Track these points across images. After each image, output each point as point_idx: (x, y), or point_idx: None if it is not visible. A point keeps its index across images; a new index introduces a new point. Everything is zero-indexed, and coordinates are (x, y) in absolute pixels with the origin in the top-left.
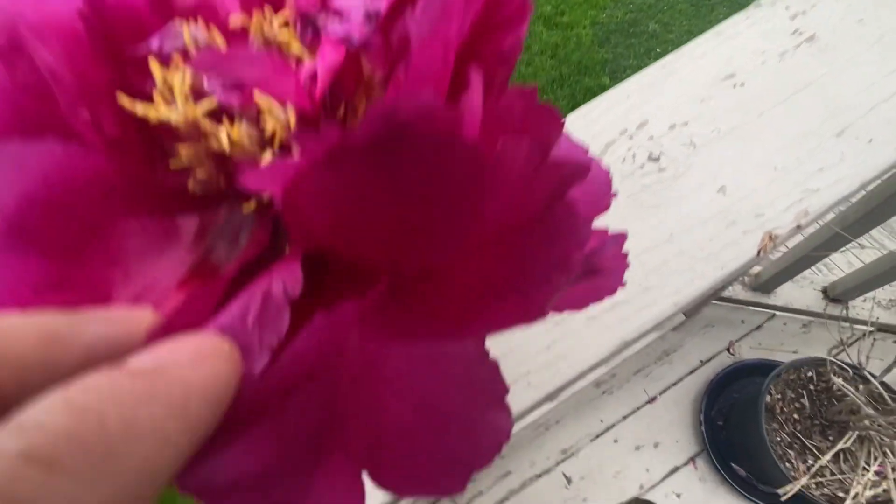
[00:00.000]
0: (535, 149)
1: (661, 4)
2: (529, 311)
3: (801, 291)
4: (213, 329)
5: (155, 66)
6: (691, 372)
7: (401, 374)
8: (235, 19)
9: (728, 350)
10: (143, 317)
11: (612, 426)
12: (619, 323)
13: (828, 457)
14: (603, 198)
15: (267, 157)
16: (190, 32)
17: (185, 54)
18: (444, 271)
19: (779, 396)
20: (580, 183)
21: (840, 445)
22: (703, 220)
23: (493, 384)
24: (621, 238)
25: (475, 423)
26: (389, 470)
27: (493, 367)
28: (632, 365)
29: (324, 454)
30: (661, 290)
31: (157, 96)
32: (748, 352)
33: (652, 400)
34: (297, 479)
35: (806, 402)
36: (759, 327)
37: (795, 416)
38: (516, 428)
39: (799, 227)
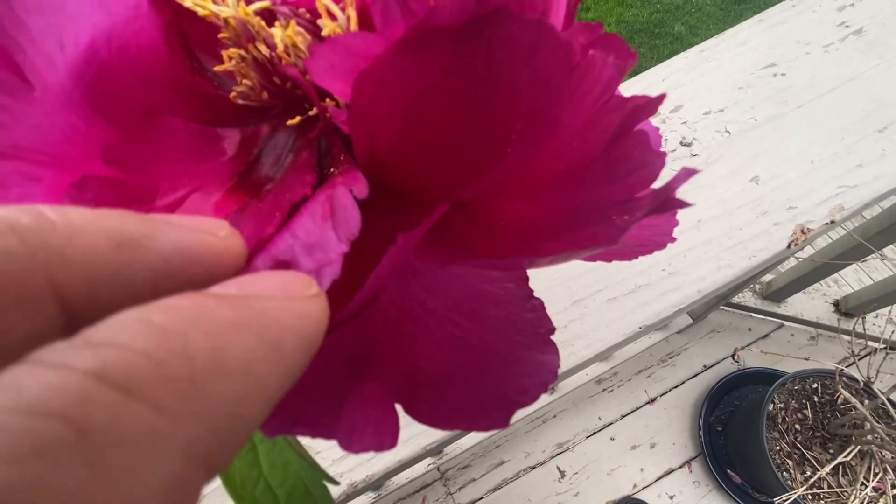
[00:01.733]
0: (617, 70)
1: (688, 6)
2: (586, 246)
3: (812, 303)
4: (286, 234)
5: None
6: (694, 376)
7: (440, 310)
8: None
9: (732, 357)
10: (219, 227)
11: (610, 424)
12: (640, 307)
13: (827, 469)
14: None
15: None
16: None
17: None
18: (500, 199)
19: (782, 406)
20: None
21: (840, 458)
22: (734, 208)
23: (537, 324)
24: (691, 172)
25: (520, 361)
26: (425, 404)
27: (538, 307)
28: (634, 365)
29: (356, 382)
30: (686, 277)
31: None
32: (752, 360)
33: (652, 401)
34: (328, 404)
35: (809, 413)
36: (765, 336)
37: (797, 426)
38: (513, 419)
39: (833, 223)
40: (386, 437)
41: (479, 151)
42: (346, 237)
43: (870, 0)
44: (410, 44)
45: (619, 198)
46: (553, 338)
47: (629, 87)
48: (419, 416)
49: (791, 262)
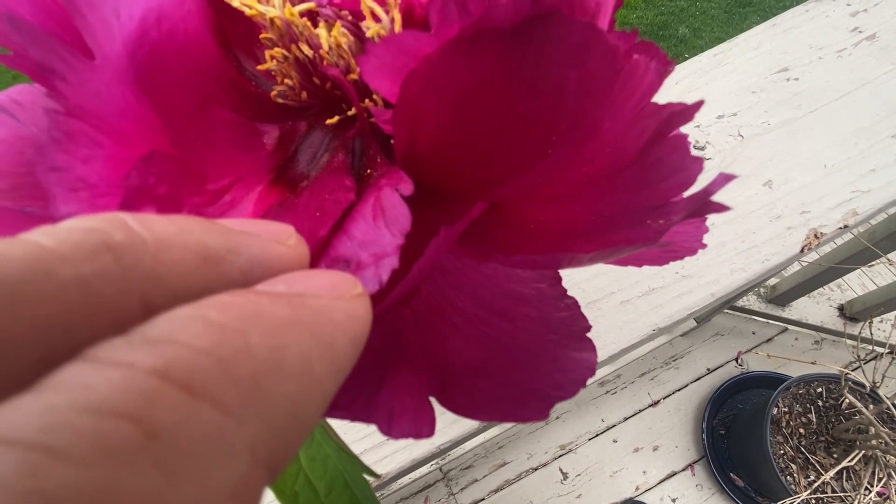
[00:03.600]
0: (658, 75)
1: (692, 9)
2: (621, 247)
3: (817, 307)
4: (343, 236)
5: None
6: (697, 379)
7: (470, 310)
8: None
9: (736, 360)
10: (288, 235)
11: (613, 426)
12: (653, 309)
13: (831, 473)
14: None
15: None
16: None
17: None
18: (536, 200)
19: (786, 409)
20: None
21: (845, 463)
22: (747, 212)
23: (571, 322)
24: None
25: (554, 359)
26: (459, 397)
27: (573, 306)
28: (638, 367)
29: (391, 372)
30: (699, 280)
31: None
32: (756, 363)
33: (655, 404)
34: (366, 391)
35: (813, 417)
36: (769, 340)
37: (801, 430)
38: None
39: (846, 227)
40: (423, 425)
41: (519, 153)
42: (399, 232)
43: (883, 6)
44: (463, 42)
45: (654, 202)
46: None
47: None
48: (454, 408)
49: (795, 266)
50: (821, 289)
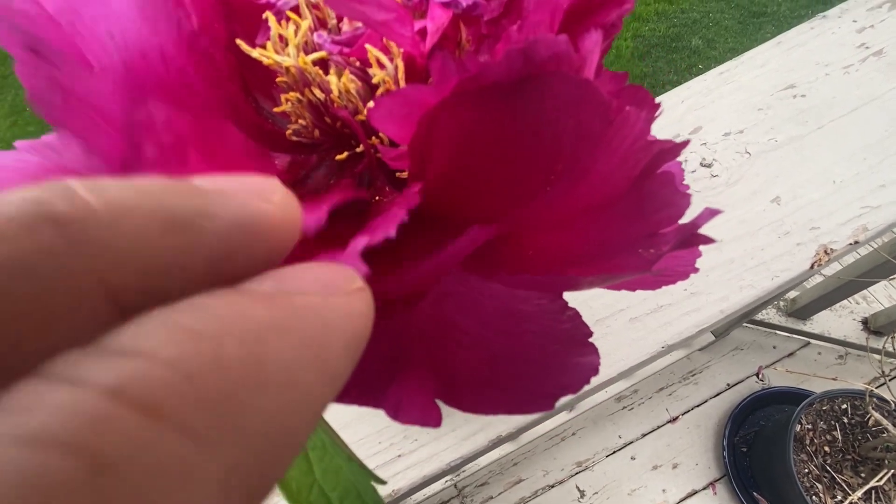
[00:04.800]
0: (647, 123)
1: (706, 20)
2: (615, 274)
3: (840, 321)
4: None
5: (271, 19)
6: (717, 395)
7: (474, 328)
8: None
9: (757, 375)
10: (272, 189)
11: (631, 443)
12: (662, 326)
13: (859, 493)
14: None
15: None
16: None
17: (297, 11)
18: (535, 230)
19: (809, 427)
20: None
21: (873, 483)
22: (755, 229)
23: (574, 332)
24: (714, 212)
25: (560, 366)
26: (466, 399)
27: (574, 317)
28: (655, 382)
29: (399, 374)
30: (708, 297)
31: (269, 45)
32: (778, 379)
33: (674, 420)
34: (374, 387)
35: (838, 434)
36: (791, 354)
37: (826, 448)
38: (531, 436)
39: (856, 243)
40: (431, 418)
41: (519, 188)
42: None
43: (890, 22)
44: (469, 95)
45: (645, 233)
46: None
47: None
48: (460, 407)
49: (816, 279)
50: (843, 301)
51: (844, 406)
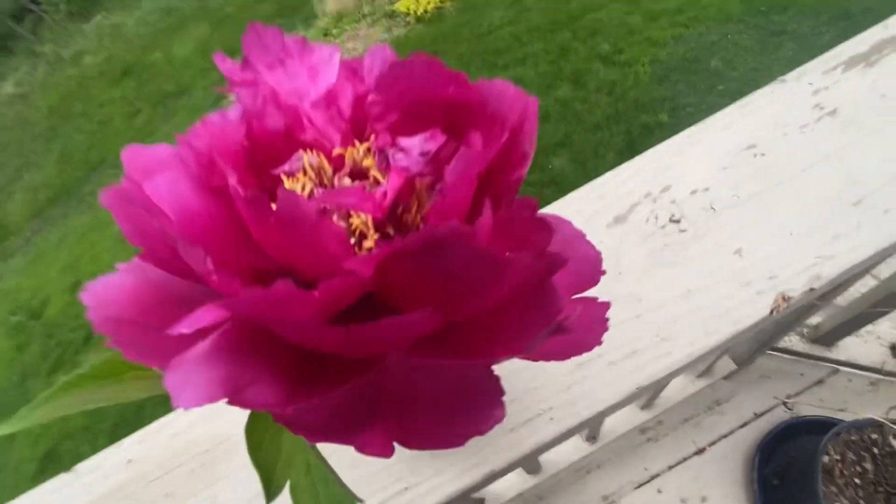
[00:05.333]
0: (534, 257)
1: (724, 42)
2: (516, 352)
3: (867, 346)
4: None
5: (285, 179)
6: (744, 424)
7: (428, 383)
8: (338, 150)
9: (785, 404)
10: None
11: (657, 475)
12: (636, 369)
13: None
14: (593, 275)
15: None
16: (307, 159)
17: (304, 171)
18: (467, 323)
19: (838, 458)
20: (568, 265)
21: None
22: (720, 279)
23: (494, 390)
24: (604, 307)
25: (479, 413)
26: (413, 444)
27: (496, 380)
28: (680, 413)
29: (369, 422)
30: (676, 342)
31: None
32: (808, 408)
33: (700, 451)
34: (349, 431)
35: (869, 465)
36: (819, 382)
37: (857, 480)
38: (555, 468)
39: (812, 290)
40: (387, 452)
41: (442, 303)
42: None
43: (843, 83)
44: (403, 254)
45: (540, 322)
46: (557, 398)
47: (622, 172)
48: (408, 447)
49: (837, 305)
50: (869, 326)
51: (875, 436)
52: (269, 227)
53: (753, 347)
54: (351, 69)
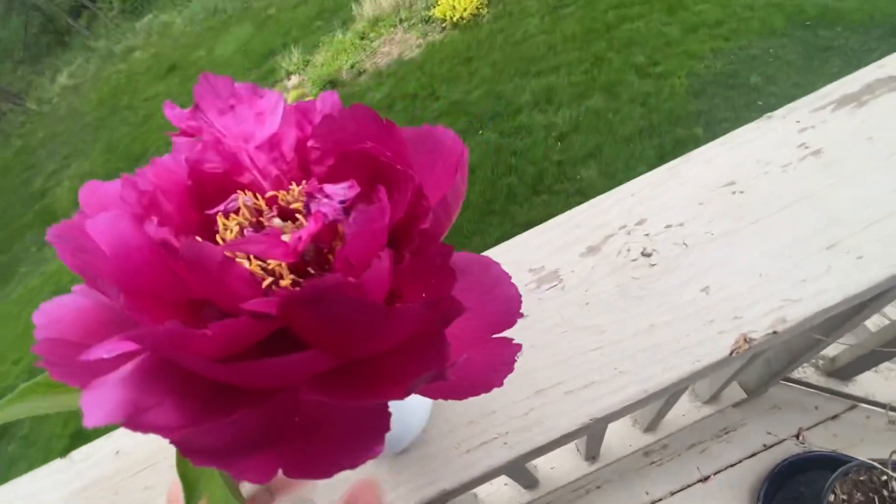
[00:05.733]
0: (425, 308)
1: (765, 56)
2: (400, 396)
3: (886, 383)
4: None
5: (220, 220)
6: (752, 455)
7: (322, 415)
8: (270, 193)
9: (797, 437)
10: None
11: (659, 500)
12: (592, 400)
13: None
14: (510, 316)
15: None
16: (243, 199)
17: (237, 212)
18: (362, 364)
19: (844, 497)
20: (488, 307)
21: None
22: (684, 315)
23: (380, 427)
24: (514, 349)
25: (361, 448)
26: (297, 470)
27: (385, 418)
28: (686, 438)
29: (258, 448)
30: (634, 376)
31: (218, 236)
32: (821, 441)
33: (705, 479)
34: (237, 455)
35: None
36: (835, 417)
37: None
38: (553, 485)
39: (775, 333)
40: (265, 479)
41: (336, 347)
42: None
43: (832, 122)
44: (296, 303)
45: (429, 367)
46: (513, 423)
47: (603, 201)
48: (289, 475)
49: (857, 338)
50: (888, 363)
51: (884, 478)
52: (180, 269)
53: (765, 377)
54: (302, 112)
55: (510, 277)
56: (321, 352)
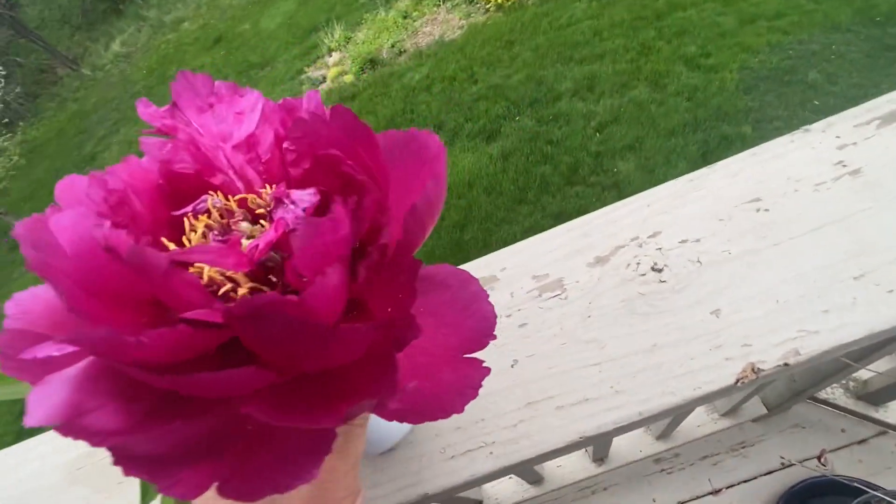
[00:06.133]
0: (377, 328)
1: (826, 52)
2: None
3: None
4: None
5: (188, 221)
6: (769, 472)
7: (265, 433)
8: (240, 196)
9: (818, 459)
10: None
11: None
12: (584, 418)
13: None
14: (484, 336)
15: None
16: (212, 201)
17: (207, 213)
18: (304, 383)
19: None
20: (463, 325)
21: None
22: (690, 338)
23: (320, 451)
24: (483, 372)
25: (298, 470)
26: (229, 488)
27: (328, 440)
28: (700, 449)
29: (194, 462)
30: (631, 397)
31: (185, 238)
32: (844, 467)
33: (716, 492)
34: (172, 468)
35: None
36: (862, 441)
37: None
38: (559, 483)
39: (786, 366)
40: (194, 494)
41: (278, 363)
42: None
43: (875, 140)
44: (237, 317)
45: (372, 395)
46: (501, 434)
47: (617, 209)
48: (222, 495)
49: (893, 362)
50: None
51: None
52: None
53: (789, 394)
54: (287, 110)
55: (488, 296)
56: (260, 368)
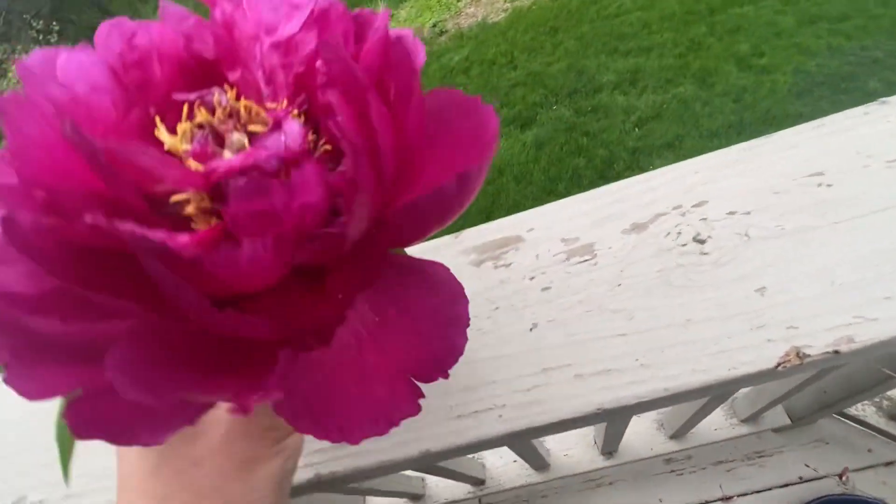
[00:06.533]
0: (270, 330)
1: (891, 61)
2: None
3: None
4: None
5: (185, 110)
6: (785, 485)
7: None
8: (246, 102)
9: (840, 476)
10: None
11: None
12: (604, 389)
13: None
14: (441, 368)
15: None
16: (218, 97)
17: (212, 109)
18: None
19: None
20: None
21: None
22: (729, 315)
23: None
24: (412, 408)
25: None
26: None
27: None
28: (714, 453)
29: (65, 363)
30: (657, 371)
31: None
32: (867, 487)
33: (727, 499)
34: (36, 359)
35: None
36: (889, 464)
37: None
38: (564, 472)
39: (837, 353)
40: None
41: None
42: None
43: None
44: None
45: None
46: (513, 398)
47: (660, 176)
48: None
49: None
50: None
51: None
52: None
53: (816, 406)
54: (358, 22)
55: (468, 326)
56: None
